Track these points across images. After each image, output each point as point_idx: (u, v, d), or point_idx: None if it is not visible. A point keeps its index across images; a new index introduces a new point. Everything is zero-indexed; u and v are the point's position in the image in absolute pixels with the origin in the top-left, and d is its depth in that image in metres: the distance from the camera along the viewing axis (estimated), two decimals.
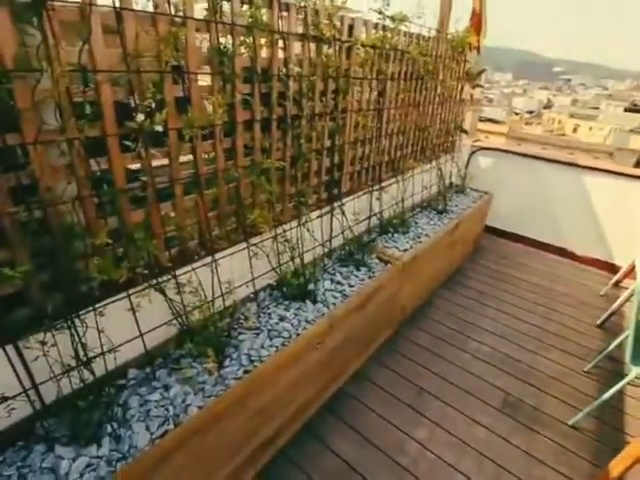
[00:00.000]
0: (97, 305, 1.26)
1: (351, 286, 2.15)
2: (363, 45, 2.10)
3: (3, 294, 1.09)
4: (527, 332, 2.81)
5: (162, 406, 1.35)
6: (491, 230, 4.29)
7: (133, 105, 1.22)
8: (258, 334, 1.73)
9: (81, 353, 1.21)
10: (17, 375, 1.12)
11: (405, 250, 2.62)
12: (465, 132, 3.83)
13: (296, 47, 1.73)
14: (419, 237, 2.84)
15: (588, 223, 3.72)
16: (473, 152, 4.21)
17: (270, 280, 2.02)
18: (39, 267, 1.12)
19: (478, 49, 3.53)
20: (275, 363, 1.57)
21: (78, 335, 1.20)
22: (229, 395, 1.39)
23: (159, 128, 1.26)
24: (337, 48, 1.95)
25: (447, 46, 3.08)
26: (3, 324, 1.09)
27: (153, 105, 1.23)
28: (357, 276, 2.26)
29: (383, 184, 2.77)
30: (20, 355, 1.12)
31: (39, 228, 1.09)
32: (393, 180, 2.90)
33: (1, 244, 1.05)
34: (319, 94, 1.94)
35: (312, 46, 1.80)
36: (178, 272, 1.50)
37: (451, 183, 3.95)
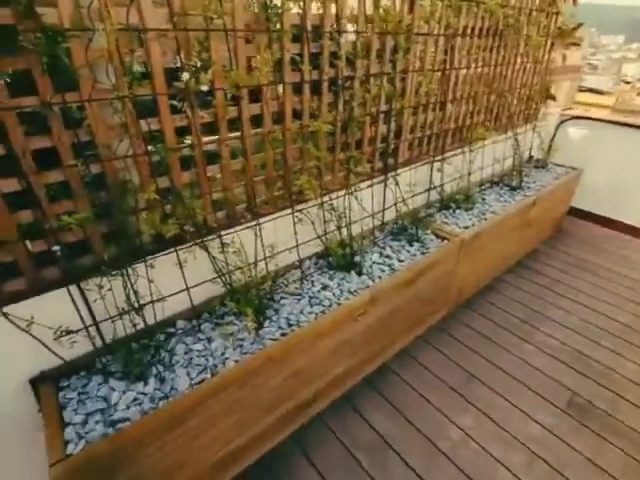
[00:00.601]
0: (147, 257, 1.36)
1: (400, 261, 2.05)
2: None
3: (67, 241, 1.22)
4: (608, 329, 2.45)
5: (203, 356, 1.44)
6: (577, 212, 3.76)
7: (179, 65, 1.24)
8: (299, 300, 1.74)
9: (133, 299, 1.33)
10: (79, 313, 1.26)
11: (466, 227, 2.41)
12: (552, 98, 3.34)
13: None
14: (484, 214, 2.59)
15: None
16: (562, 122, 3.67)
17: (315, 248, 2.01)
18: (96, 217, 1.23)
19: None
20: (313, 329, 1.57)
21: (131, 282, 1.31)
22: (265, 354, 1.43)
23: (205, 88, 1.28)
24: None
25: None
26: (68, 268, 1.22)
27: (198, 64, 1.24)
28: (409, 251, 2.14)
29: (446, 155, 2.55)
30: (82, 295, 1.26)
31: (95, 182, 1.19)
32: (458, 151, 2.65)
33: (63, 195, 1.17)
34: (375, 52, 1.81)
35: None
36: (223, 233, 1.55)
37: (531, 157, 3.51)
